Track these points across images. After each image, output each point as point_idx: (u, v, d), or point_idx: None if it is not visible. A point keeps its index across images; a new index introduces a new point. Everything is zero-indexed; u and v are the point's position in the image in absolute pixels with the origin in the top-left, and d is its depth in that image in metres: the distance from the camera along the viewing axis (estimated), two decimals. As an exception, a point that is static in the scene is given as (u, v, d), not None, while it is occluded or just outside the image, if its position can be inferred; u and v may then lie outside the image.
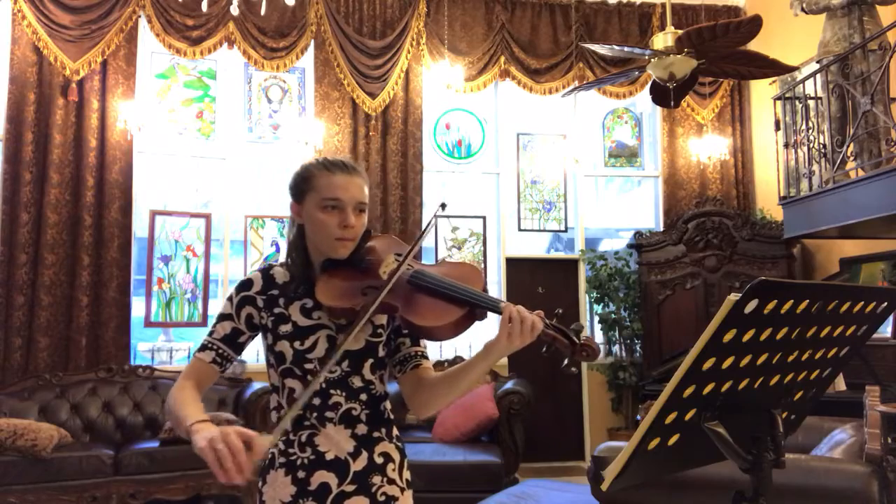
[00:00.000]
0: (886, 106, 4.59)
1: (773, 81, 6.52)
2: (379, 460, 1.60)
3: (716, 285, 6.43)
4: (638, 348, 6.70)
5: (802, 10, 5.12)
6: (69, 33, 5.83)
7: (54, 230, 5.71)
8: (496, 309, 1.45)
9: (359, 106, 6.51)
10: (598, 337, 6.78)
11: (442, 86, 6.72)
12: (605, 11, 7.13)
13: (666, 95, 4.89)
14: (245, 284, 1.63)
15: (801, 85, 5.27)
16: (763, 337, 1.03)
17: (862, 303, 1.14)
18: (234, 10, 4.14)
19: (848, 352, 1.24)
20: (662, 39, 4.72)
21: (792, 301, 1.01)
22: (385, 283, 1.51)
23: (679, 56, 4.58)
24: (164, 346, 6.64)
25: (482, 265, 6.72)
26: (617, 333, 6.70)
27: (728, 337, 0.99)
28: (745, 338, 1.01)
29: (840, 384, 4.86)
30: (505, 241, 7.01)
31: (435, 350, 6.41)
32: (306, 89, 6.67)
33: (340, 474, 1.55)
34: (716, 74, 5.00)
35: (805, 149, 5.27)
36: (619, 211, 8.22)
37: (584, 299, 7.03)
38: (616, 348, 6.74)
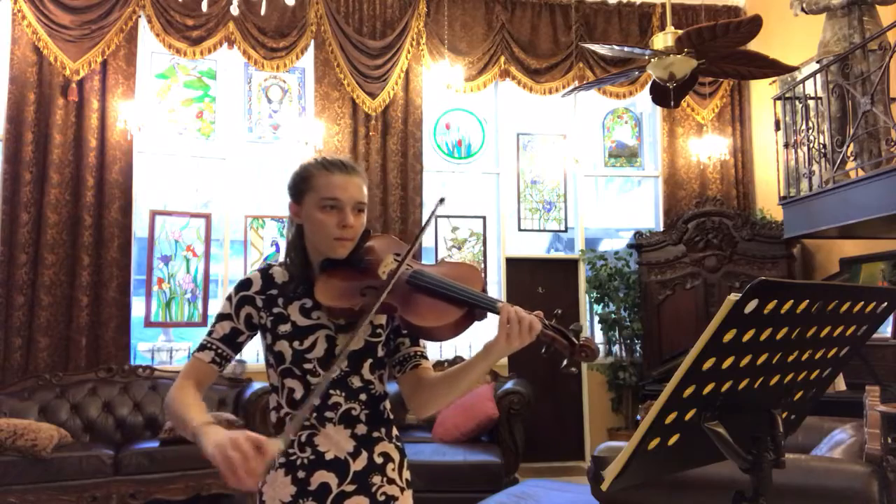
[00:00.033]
0: (886, 106, 4.59)
1: (773, 81, 6.52)
2: (379, 460, 1.60)
3: (716, 285, 6.43)
4: (638, 348, 6.70)
5: (802, 10, 5.12)
6: (69, 33, 5.83)
7: (54, 230, 5.71)
8: (494, 309, 1.45)
9: (359, 106, 6.51)
10: (598, 337, 6.78)
11: (442, 86, 6.72)
12: (605, 11, 7.13)
13: (666, 95, 4.89)
14: (244, 284, 1.63)
15: (801, 85, 5.27)
16: (763, 337, 1.03)
17: (862, 303, 1.14)
18: (234, 10, 4.14)
19: (848, 352, 1.24)
20: (662, 39, 4.72)
21: (792, 301, 1.01)
22: (383, 283, 1.51)
23: (679, 56, 4.58)
24: (164, 346, 6.64)
25: (482, 265, 6.72)
26: (617, 333, 6.70)
27: (728, 337, 0.99)
28: (745, 338, 1.01)
29: (840, 384, 4.86)
30: (505, 241, 7.01)
31: (435, 350, 6.40)
32: (306, 89, 6.67)
33: (340, 474, 1.56)
34: (716, 74, 5.00)
35: (805, 149, 5.27)
36: (619, 211, 8.23)
37: (584, 299, 7.03)
38: (616, 348, 6.74)
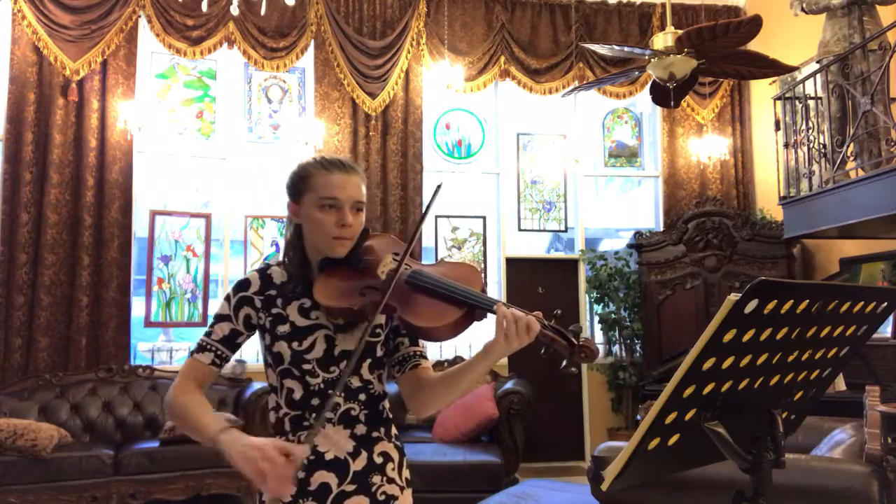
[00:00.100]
0: (886, 106, 4.59)
1: (773, 81, 6.52)
2: (378, 460, 1.60)
3: (716, 285, 6.43)
4: (638, 348, 6.70)
5: (802, 10, 5.12)
6: (69, 33, 5.83)
7: (54, 230, 5.71)
8: (490, 309, 1.45)
9: (359, 106, 6.51)
10: (598, 337, 6.78)
11: (442, 86, 6.71)
12: (605, 11, 7.13)
13: (666, 95, 4.89)
14: (242, 285, 1.62)
15: (801, 85, 5.27)
16: (763, 337, 1.03)
17: (862, 303, 1.14)
18: (234, 10, 4.14)
19: (848, 352, 1.24)
20: (662, 39, 4.72)
21: (792, 301, 1.01)
22: (382, 283, 1.51)
23: (679, 56, 4.58)
24: (164, 346, 6.65)
25: (482, 265, 6.72)
26: (617, 333, 6.70)
27: (728, 337, 0.99)
28: (745, 338, 1.01)
29: (840, 384, 4.85)
30: (505, 241, 7.01)
31: (435, 350, 6.40)
32: (306, 89, 6.67)
33: (340, 474, 1.55)
34: (716, 74, 5.00)
35: (805, 149, 5.27)
36: (618, 211, 8.23)
37: (584, 299, 7.03)
38: (616, 348, 6.74)
